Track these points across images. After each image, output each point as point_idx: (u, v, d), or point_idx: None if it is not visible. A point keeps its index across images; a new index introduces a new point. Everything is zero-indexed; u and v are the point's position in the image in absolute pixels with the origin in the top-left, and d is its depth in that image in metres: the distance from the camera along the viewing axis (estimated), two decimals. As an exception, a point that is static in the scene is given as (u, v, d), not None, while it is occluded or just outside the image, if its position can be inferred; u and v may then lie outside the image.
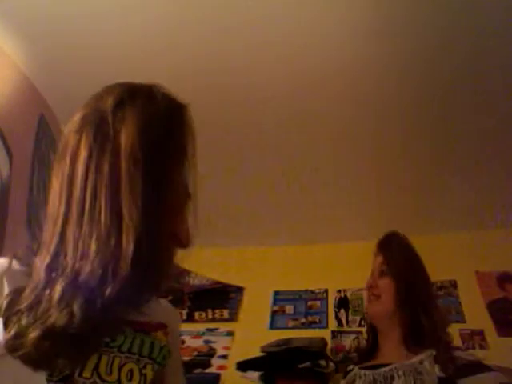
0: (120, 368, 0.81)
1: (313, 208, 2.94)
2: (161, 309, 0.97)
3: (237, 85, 2.39)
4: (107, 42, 2.20)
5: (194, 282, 3.00)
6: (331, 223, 2.98)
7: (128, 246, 0.77)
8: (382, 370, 1.54)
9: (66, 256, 0.80)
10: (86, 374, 0.77)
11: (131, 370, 0.82)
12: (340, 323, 2.90)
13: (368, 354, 1.74)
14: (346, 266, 2.91)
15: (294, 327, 2.87)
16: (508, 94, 2.35)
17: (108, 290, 0.76)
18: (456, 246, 2.70)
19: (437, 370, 1.47)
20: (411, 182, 2.78)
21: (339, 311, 2.94)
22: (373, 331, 1.77)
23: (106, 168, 0.80)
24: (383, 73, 2.32)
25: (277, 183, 2.83)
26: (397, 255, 1.77)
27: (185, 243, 0.87)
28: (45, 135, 2.41)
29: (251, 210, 2.94)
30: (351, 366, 1.74)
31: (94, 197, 0.79)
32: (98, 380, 0.78)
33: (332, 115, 2.54)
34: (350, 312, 2.93)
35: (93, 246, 0.78)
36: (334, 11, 2.07)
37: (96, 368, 0.78)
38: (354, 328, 2.88)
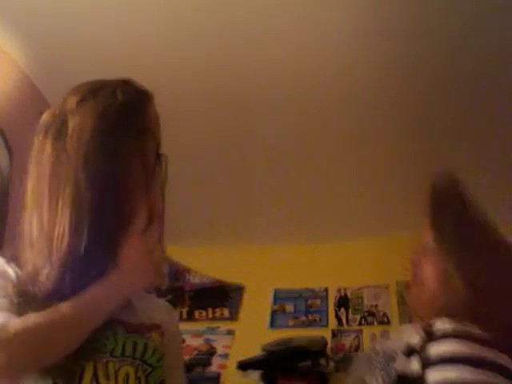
0: (116, 372, 0.80)
1: (313, 207, 2.94)
2: (156, 309, 0.96)
3: (236, 85, 2.39)
4: (107, 41, 2.20)
5: (195, 280, 3.00)
6: (331, 223, 2.98)
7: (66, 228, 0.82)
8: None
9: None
10: (85, 382, 0.77)
11: (127, 374, 0.82)
12: (340, 322, 2.90)
13: None
14: (346, 265, 2.91)
15: (294, 326, 2.88)
16: (507, 89, 2.36)
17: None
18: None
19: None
20: (412, 183, 2.77)
21: (339, 310, 2.95)
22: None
23: (64, 160, 0.84)
24: (384, 73, 2.32)
25: (277, 183, 2.83)
26: (450, 232, 1.31)
27: (141, 223, 0.85)
28: (45, 134, 2.42)
29: (251, 210, 2.94)
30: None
31: (57, 189, 0.85)
32: None
33: (333, 115, 2.54)
34: (350, 311, 2.94)
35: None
36: (334, 12, 2.06)
37: (94, 376, 0.78)
38: (354, 327, 2.88)
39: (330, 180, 2.83)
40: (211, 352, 2.76)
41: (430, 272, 1.31)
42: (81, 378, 0.77)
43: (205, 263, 2.99)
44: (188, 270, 2.99)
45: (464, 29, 2.11)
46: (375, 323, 2.88)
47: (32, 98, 2.36)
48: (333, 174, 2.81)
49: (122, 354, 0.82)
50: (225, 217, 2.90)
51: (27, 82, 2.32)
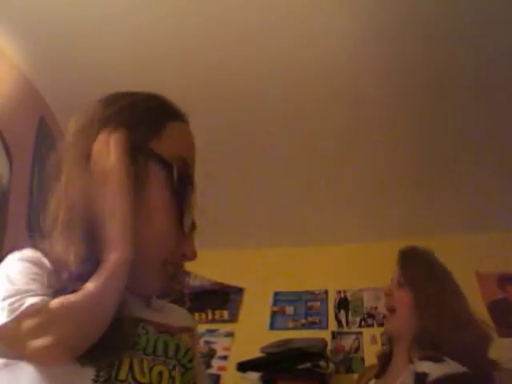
0: (150, 370, 0.80)
1: (313, 209, 2.94)
2: (180, 313, 0.98)
3: (235, 85, 2.39)
4: (108, 43, 2.20)
5: (194, 282, 3.00)
6: (331, 224, 2.98)
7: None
8: None
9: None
10: (122, 376, 0.77)
11: (160, 373, 0.82)
12: (340, 324, 2.90)
13: (384, 367, 1.72)
14: (345, 267, 2.91)
15: (293, 328, 2.87)
16: (507, 90, 2.36)
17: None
18: (456, 247, 2.70)
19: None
20: (412, 185, 2.78)
21: (339, 312, 2.94)
22: (391, 344, 1.75)
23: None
24: (384, 69, 2.32)
25: (277, 184, 2.84)
26: (415, 270, 1.76)
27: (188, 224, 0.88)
28: (45, 137, 2.41)
29: (251, 211, 2.94)
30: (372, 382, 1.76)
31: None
32: (132, 382, 0.77)
33: (334, 114, 2.54)
34: (349, 313, 2.93)
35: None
36: (333, 6, 2.07)
37: (130, 370, 0.78)
38: (354, 329, 2.88)
39: (330, 182, 2.83)
40: (211, 354, 2.76)
41: (401, 301, 1.67)
42: (118, 371, 0.77)
43: (204, 266, 2.98)
44: (188, 273, 2.99)
45: (465, 28, 2.12)
46: (375, 325, 2.87)
47: (32, 101, 2.36)
48: (333, 176, 2.81)
49: (154, 353, 0.82)
50: (224, 219, 2.90)
51: (27, 85, 2.32)
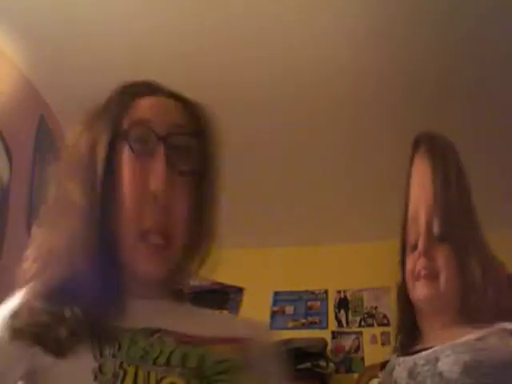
0: (159, 381, 0.76)
1: (313, 209, 2.94)
2: (223, 322, 0.93)
3: (235, 87, 2.39)
4: (108, 45, 2.20)
5: (194, 282, 3.00)
6: (331, 224, 2.98)
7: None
8: (424, 353, 1.16)
9: None
10: None
11: None
12: (340, 324, 2.90)
13: (410, 341, 1.27)
14: (345, 267, 2.91)
15: (293, 328, 2.88)
16: (509, 91, 2.36)
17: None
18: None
19: None
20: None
21: (339, 312, 2.95)
22: (410, 313, 1.28)
23: None
24: (382, 72, 2.32)
25: (277, 184, 2.84)
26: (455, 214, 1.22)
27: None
28: (45, 137, 2.41)
29: (251, 211, 2.94)
30: (388, 357, 1.32)
31: None
32: None
33: (336, 115, 2.54)
34: (349, 313, 2.94)
35: None
36: (332, 10, 2.07)
37: (134, 381, 0.75)
38: (354, 328, 2.88)
39: (330, 182, 2.83)
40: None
41: (445, 262, 1.18)
42: (122, 381, 0.74)
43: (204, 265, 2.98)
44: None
45: (466, 29, 2.12)
46: (375, 325, 2.88)
47: (32, 100, 2.36)
48: (333, 176, 2.81)
49: (167, 364, 0.78)
50: (224, 219, 2.90)
51: (27, 84, 2.32)
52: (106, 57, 2.23)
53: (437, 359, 1.13)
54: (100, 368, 0.75)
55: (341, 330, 2.87)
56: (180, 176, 0.86)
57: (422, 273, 1.19)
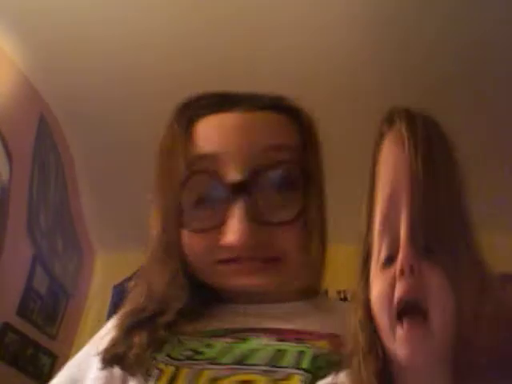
0: (214, 381, 0.69)
1: (313, 209, 2.93)
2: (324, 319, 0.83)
3: (234, 81, 2.39)
4: (109, 46, 2.19)
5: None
6: (331, 224, 2.97)
7: None
8: None
9: None
10: None
11: (248, 382, 0.69)
12: (340, 324, 2.90)
13: None
14: (346, 267, 2.90)
15: (294, 328, 2.87)
16: (508, 88, 2.35)
17: None
18: (456, 246, 2.69)
19: None
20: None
21: (339, 312, 2.95)
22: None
23: None
24: (388, 62, 2.32)
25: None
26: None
27: None
28: (45, 137, 2.41)
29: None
30: None
31: None
32: None
33: (336, 112, 2.54)
34: (349, 313, 2.93)
35: None
36: (332, 9, 2.07)
37: (172, 381, 0.70)
38: (354, 329, 2.88)
39: (330, 182, 2.82)
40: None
41: (437, 287, 0.68)
42: (158, 381, 0.70)
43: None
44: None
45: (467, 29, 2.12)
46: (375, 325, 2.88)
47: (31, 100, 2.35)
48: (333, 176, 2.80)
49: (241, 363, 0.71)
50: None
51: (27, 84, 2.32)
52: (106, 57, 2.23)
53: None
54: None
55: (341, 330, 2.87)
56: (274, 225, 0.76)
57: (408, 305, 0.67)
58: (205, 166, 0.74)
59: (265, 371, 0.68)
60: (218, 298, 0.81)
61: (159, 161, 0.82)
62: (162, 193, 0.79)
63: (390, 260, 0.72)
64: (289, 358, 0.70)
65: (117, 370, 0.74)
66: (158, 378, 0.70)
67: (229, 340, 0.74)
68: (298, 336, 0.74)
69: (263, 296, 0.81)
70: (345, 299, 3.08)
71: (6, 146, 2.05)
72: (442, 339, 0.64)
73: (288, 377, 0.68)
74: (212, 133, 0.75)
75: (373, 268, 0.76)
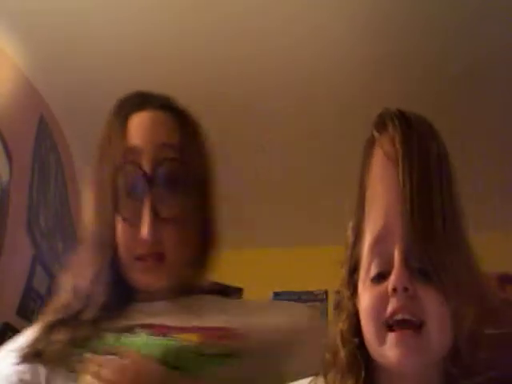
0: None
1: (312, 209, 2.94)
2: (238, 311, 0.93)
3: (232, 79, 2.39)
4: (109, 46, 2.19)
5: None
6: (332, 225, 2.97)
7: None
8: None
9: None
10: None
11: None
12: (340, 324, 2.90)
13: None
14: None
15: (293, 328, 2.87)
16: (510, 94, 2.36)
17: None
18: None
19: None
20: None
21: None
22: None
23: None
24: (379, 70, 2.32)
25: (276, 184, 2.83)
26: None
27: None
28: (45, 137, 2.41)
29: (250, 211, 2.94)
30: None
31: None
32: None
33: (331, 112, 2.54)
34: (349, 313, 2.94)
35: None
36: (331, 6, 2.07)
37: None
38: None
39: (330, 182, 2.82)
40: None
41: (431, 305, 0.68)
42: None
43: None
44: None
45: (462, 26, 2.12)
46: (375, 325, 2.88)
47: (31, 100, 2.36)
48: (333, 176, 2.81)
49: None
50: (223, 219, 2.89)
51: (26, 84, 2.32)
52: (106, 57, 2.23)
53: None
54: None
55: (340, 330, 2.87)
56: (169, 211, 0.85)
57: (400, 318, 0.67)
58: (133, 158, 0.84)
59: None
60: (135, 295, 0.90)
61: (98, 152, 0.91)
62: (100, 179, 0.86)
63: (380, 277, 0.71)
64: (156, 350, 0.79)
65: (41, 367, 0.80)
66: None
67: (128, 335, 0.82)
68: (168, 331, 0.82)
69: (155, 294, 0.89)
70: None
71: (5, 146, 2.05)
72: (435, 349, 0.67)
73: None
74: (136, 128, 0.86)
75: (361, 282, 0.74)
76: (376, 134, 0.80)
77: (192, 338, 0.82)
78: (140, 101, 0.93)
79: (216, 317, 0.89)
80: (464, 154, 2.60)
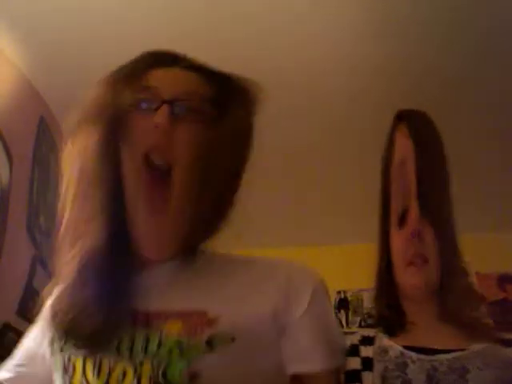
0: (112, 370, 0.73)
1: (313, 209, 2.94)
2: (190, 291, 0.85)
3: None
4: (110, 46, 2.20)
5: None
6: (331, 225, 2.98)
7: None
8: (443, 357, 1.03)
9: None
10: (75, 381, 0.75)
11: (124, 372, 0.73)
12: (340, 324, 2.90)
13: (395, 326, 1.12)
14: (346, 268, 2.91)
15: (294, 328, 2.88)
16: (510, 94, 2.35)
17: None
18: (456, 247, 2.70)
19: None
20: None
21: (339, 312, 2.95)
22: (395, 297, 1.15)
23: None
24: (378, 72, 2.32)
25: (276, 184, 2.83)
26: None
27: None
28: (45, 138, 2.41)
29: (251, 211, 2.94)
30: (372, 332, 1.14)
31: None
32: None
33: (331, 112, 2.54)
34: (349, 313, 2.94)
35: None
36: (331, 8, 2.07)
37: (83, 373, 0.74)
38: (354, 329, 2.88)
39: (330, 182, 2.83)
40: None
41: (432, 246, 1.11)
42: (73, 375, 0.76)
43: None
44: None
45: (458, 26, 2.12)
46: (375, 325, 2.88)
47: (32, 101, 2.36)
48: (334, 176, 2.81)
49: (117, 350, 0.74)
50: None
51: (26, 84, 2.32)
52: (106, 57, 2.23)
53: (465, 370, 1.00)
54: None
55: (341, 330, 2.87)
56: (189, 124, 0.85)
57: (416, 257, 1.10)
58: (150, 90, 0.87)
59: (129, 358, 0.73)
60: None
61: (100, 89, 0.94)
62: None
63: (402, 220, 1.14)
64: (138, 345, 0.74)
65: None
66: (73, 372, 0.76)
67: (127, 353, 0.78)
68: (149, 318, 0.77)
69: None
70: (344, 299, 3.09)
71: (6, 147, 2.05)
72: (435, 277, 1.12)
73: (141, 363, 0.73)
74: (159, 77, 0.90)
75: (392, 228, 1.17)
76: (396, 123, 1.32)
77: (175, 327, 0.75)
78: (169, 58, 0.97)
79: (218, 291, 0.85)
80: (464, 155, 2.61)
